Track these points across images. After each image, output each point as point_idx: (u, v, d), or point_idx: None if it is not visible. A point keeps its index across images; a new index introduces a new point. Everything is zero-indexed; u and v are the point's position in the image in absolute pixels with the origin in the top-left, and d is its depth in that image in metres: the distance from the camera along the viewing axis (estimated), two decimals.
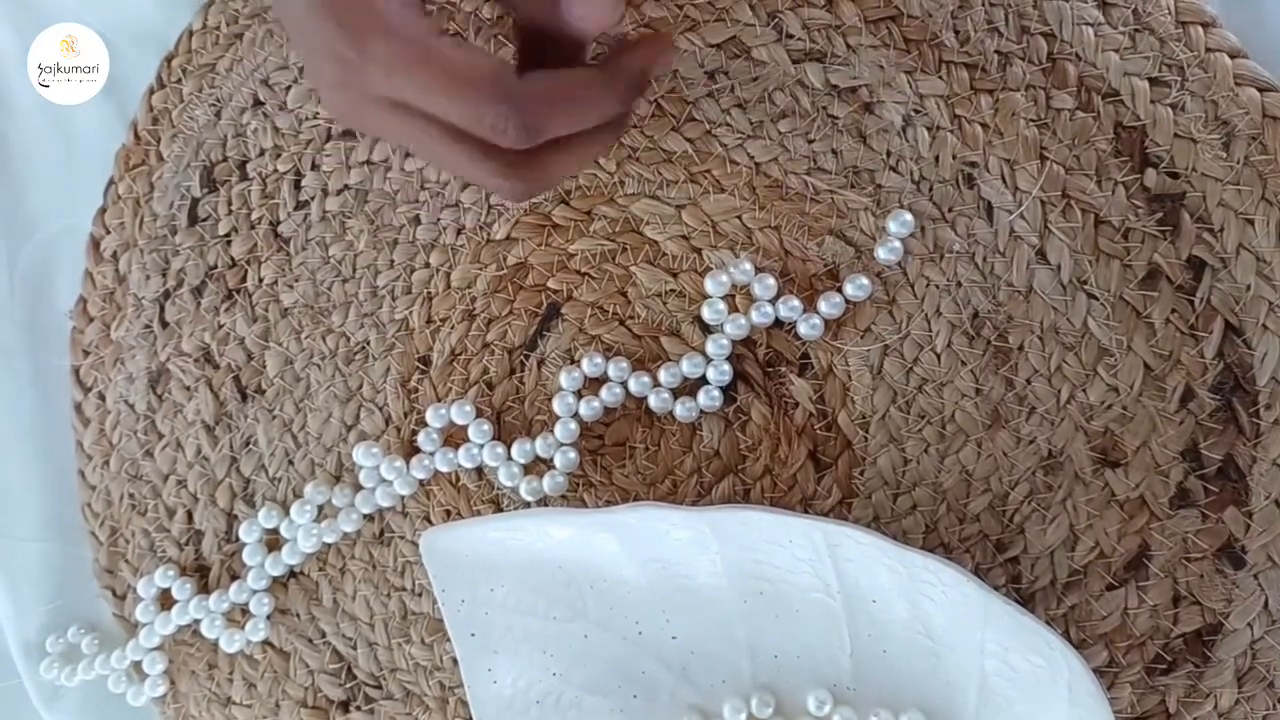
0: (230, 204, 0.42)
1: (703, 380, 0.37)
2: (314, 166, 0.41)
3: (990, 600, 0.32)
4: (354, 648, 0.40)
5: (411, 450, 0.39)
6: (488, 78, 0.27)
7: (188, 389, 0.42)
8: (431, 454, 0.39)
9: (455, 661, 0.37)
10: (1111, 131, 0.36)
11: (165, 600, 0.41)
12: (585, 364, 0.38)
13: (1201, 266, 0.35)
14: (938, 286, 0.36)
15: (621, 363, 0.37)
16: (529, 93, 0.27)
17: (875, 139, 0.37)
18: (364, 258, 0.40)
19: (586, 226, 0.39)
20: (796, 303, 0.36)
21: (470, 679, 0.36)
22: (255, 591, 0.40)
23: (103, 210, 0.43)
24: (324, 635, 0.40)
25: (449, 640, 0.36)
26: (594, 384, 0.38)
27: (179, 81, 0.43)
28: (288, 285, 0.41)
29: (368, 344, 0.40)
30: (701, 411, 0.37)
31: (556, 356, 0.38)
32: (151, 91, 0.43)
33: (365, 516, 0.40)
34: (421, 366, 0.40)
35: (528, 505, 0.38)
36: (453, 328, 0.39)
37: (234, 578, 0.41)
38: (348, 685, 0.40)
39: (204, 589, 0.41)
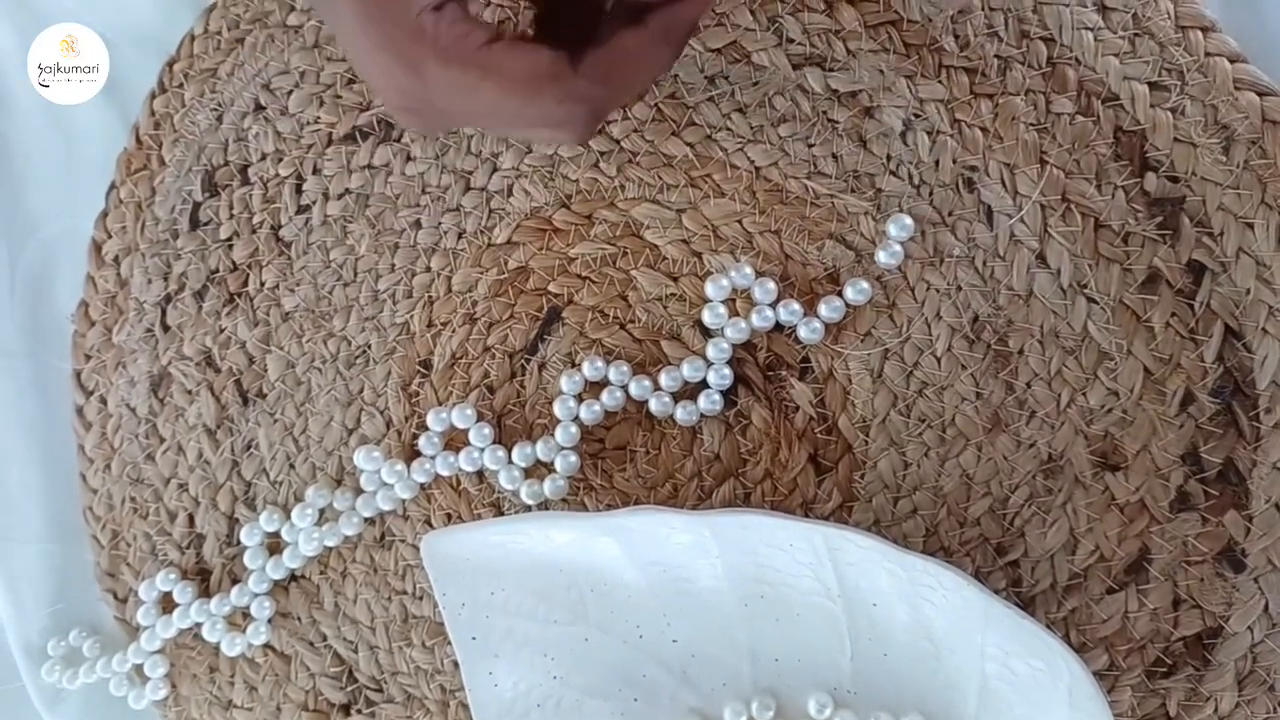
0: (232, 208, 0.42)
1: (703, 384, 0.37)
2: (315, 171, 0.41)
3: (991, 604, 0.32)
4: (355, 651, 0.40)
5: (412, 454, 0.39)
6: (545, 78, 0.27)
7: (189, 393, 0.42)
8: (432, 457, 0.39)
9: (456, 665, 0.37)
10: (1111, 136, 0.36)
11: (167, 603, 0.41)
12: (586, 367, 0.38)
13: (1201, 270, 0.35)
14: (938, 290, 0.36)
15: (622, 366, 0.38)
16: (587, 80, 0.28)
17: (875, 143, 0.37)
18: (365, 262, 0.40)
19: (587, 230, 0.39)
20: (797, 306, 0.36)
21: (471, 682, 0.36)
22: (256, 595, 0.40)
23: (104, 214, 0.43)
24: (325, 639, 0.40)
25: (450, 643, 0.36)
26: (595, 387, 0.38)
27: (180, 86, 0.43)
28: (289, 289, 0.41)
29: (369, 348, 0.40)
30: (702, 415, 0.37)
31: (557, 360, 0.38)
32: (153, 96, 0.43)
33: (366, 520, 0.40)
34: (422, 370, 0.40)
35: (529, 509, 0.38)
36: (454, 331, 0.39)
37: (235, 581, 0.41)
38: (349, 688, 0.40)
39: (205, 592, 0.41)
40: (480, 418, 0.39)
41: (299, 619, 0.40)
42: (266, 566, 0.40)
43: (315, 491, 0.40)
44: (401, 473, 0.39)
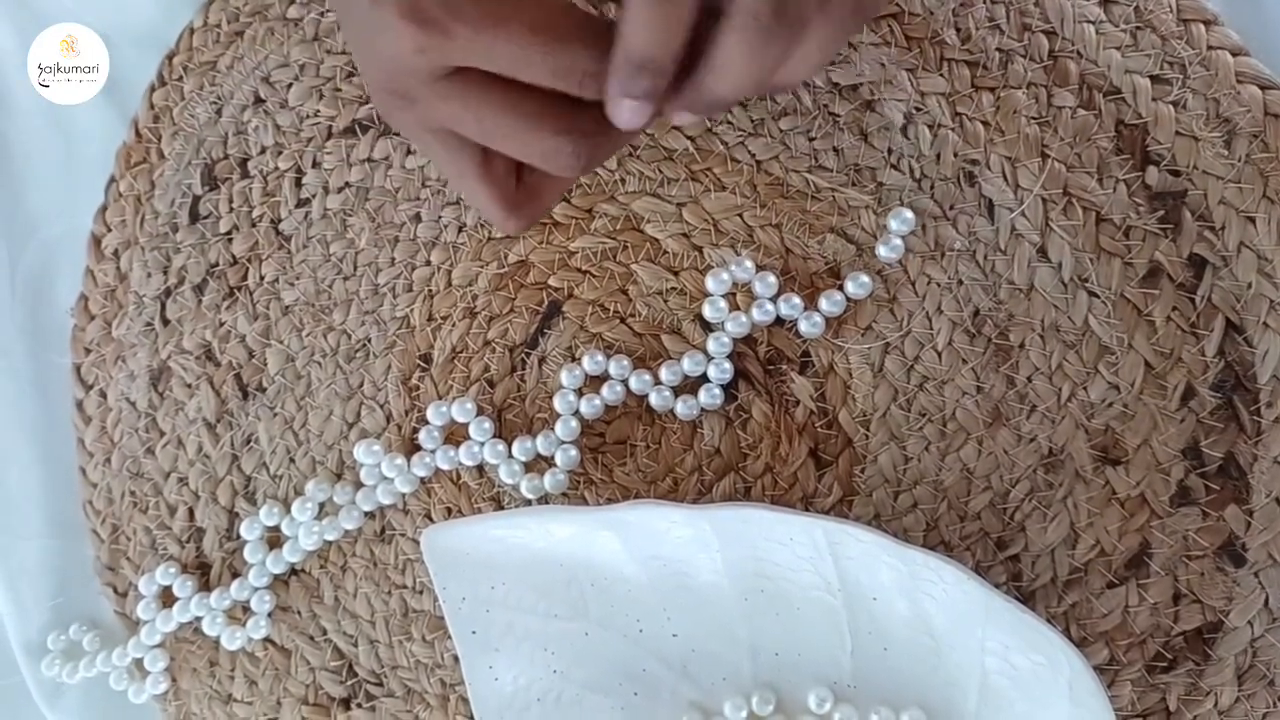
0: (231, 201, 0.42)
1: (704, 378, 0.37)
2: (315, 164, 0.41)
3: (991, 598, 0.32)
4: (355, 645, 0.40)
5: (412, 448, 0.39)
6: (577, 25, 0.26)
7: (189, 386, 0.42)
8: (433, 451, 0.39)
9: (456, 659, 0.37)
10: (1113, 129, 0.36)
11: (166, 597, 0.41)
12: (586, 362, 0.38)
13: (1203, 264, 0.35)
14: (939, 284, 0.36)
15: (622, 360, 0.37)
16: (624, 43, 0.26)
17: (876, 137, 0.37)
18: (365, 255, 0.40)
19: (587, 224, 0.39)
20: (797, 300, 0.36)
21: (471, 676, 0.36)
22: (256, 589, 0.40)
23: (104, 208, 0.43)
24: (325, 633, 0.40)
25: (450, 638, 0.36)
26: (595, 382, 0.38)
27: (180, 79, 0.43)
28: (289, 283, 0.41)
29: (369, 341, 0.40)
30: (702, 409, 0.37)
31: (557, 354, 0.38)
32: (152, 89, 0.43)
33: (366, 514, 0.40)
34: (422, 364, 0.40)
35: (529, 503, 0.38)
36: (454, 325, 0.39)
37: (235, 575, 0.41)
38: (349, 683, 0.40)
39: (205, 586, 0.41)
40: (480, 412, 0.39)
41: (299, 613, 0.40)
42: (266, 560, 0.40)
43: (315, 485, 0.40)
44: (401, 467, 0.39)
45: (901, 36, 0.37)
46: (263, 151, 0.42)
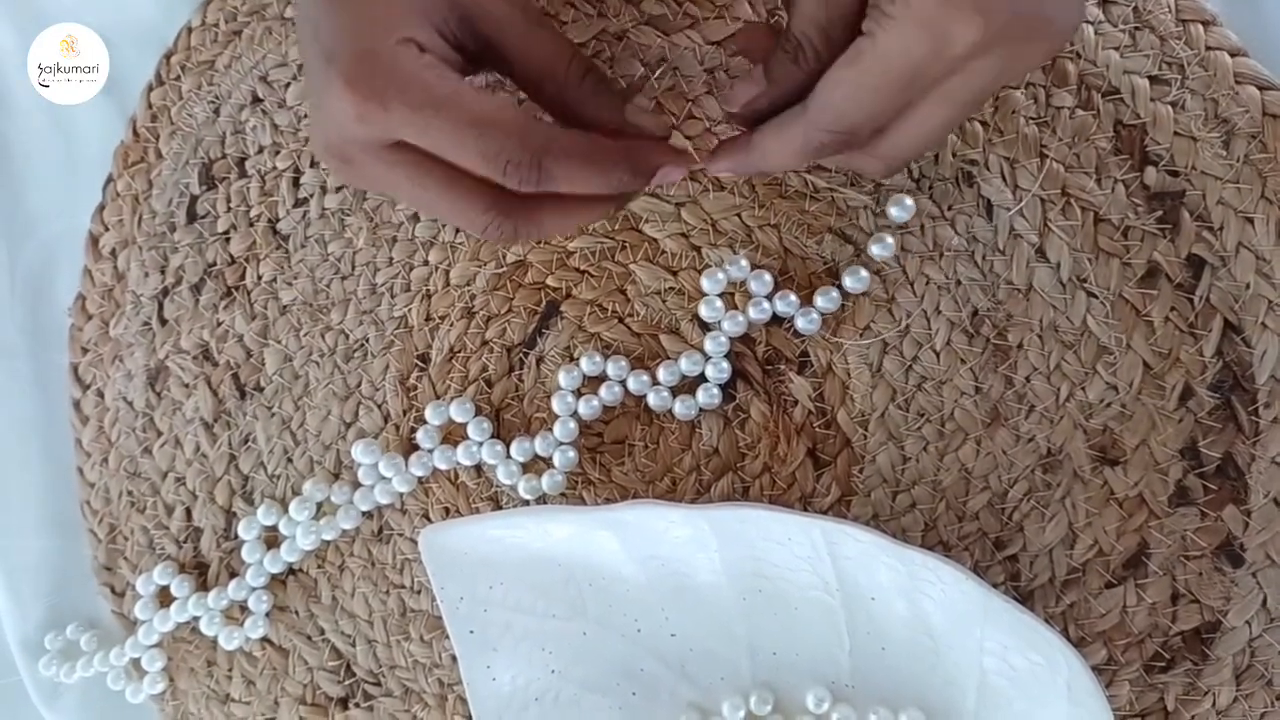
0: (229, 201, 0.42)
1: (701, 378, 0.37)
2: (313, 163, 0.41)
3: (989, 598, 0.32)
4: (353, 645, 0.40)
5: (410, 448, 0.39)
6: (512, 118, 0.28)
7: (186, 386, 0.41)
8: (430, 451, 0.39)
9: (454, 659, 0.37)
10: (1111, 129, 0.36)
11: (164, 597, 0.41)
12: (584, 362, 0.38)
13: (1201, 264, 0.35)
14: (937, 284, 0.36)
15: (620, 361, 0.37)
16: (548, 137, 0.28)
17: None
18: (363, 255, 0.40)
19: (585, 224, 0.38)
20: (794, 298, 0.36)
21: (469, 676, 0.36)
22: (254, 589, 0.40)
23: (101, 207, 0.43)
24: (323, 632, 0.40)
25: (448, 638, 0.36)
26: (593, 382, 0.38)
27: (178, 78, 0.43)
28: (286, 282, 0.41)
29: (367, 341, 0.40)
30: (700, 409, 0.37)
31: (555, 354, 0.38)
32: (150, 89, 0.43)
33: (364, 514, 0.40)
34: (420, 364, 0.40)
35: (526, 503, 0.38)
36: (452, 325, 0.39)
37: (233, 575, 0.41)
38: (347, 682, 0.40)
39: (203, 586, 0.41)
40: (478, 412, 0.39)
41: (297, 613, 0.40)
42: (264, 560, 0.40)
43: (313, 485, 0.40)
44: (399, 466, 0.39)
45: None
46: (260, 151, 0.42)
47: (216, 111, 0.42)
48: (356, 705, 0.40)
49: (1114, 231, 0.35)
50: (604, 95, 0.31)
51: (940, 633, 0.34)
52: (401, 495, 0.39)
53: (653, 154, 0.31)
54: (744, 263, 0.37)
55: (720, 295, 0.37)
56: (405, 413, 0.39)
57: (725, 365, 0.37)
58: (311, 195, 0.41)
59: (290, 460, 0.41)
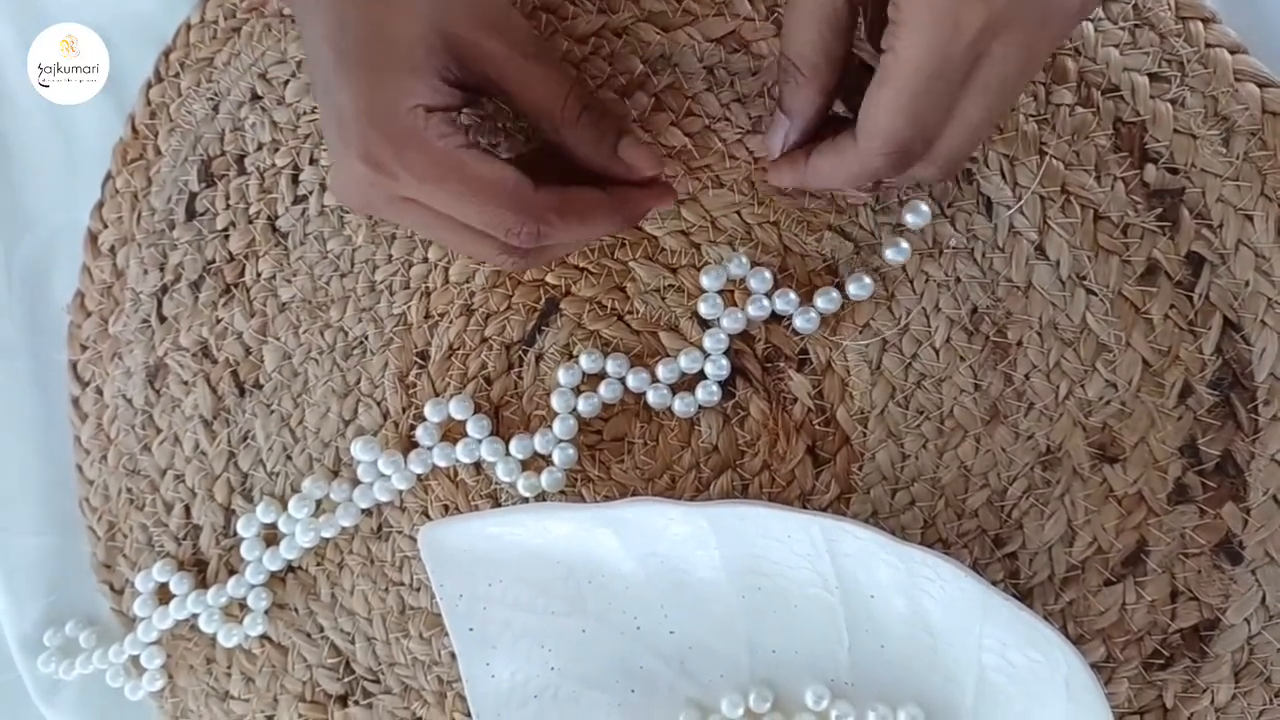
0: (228, 198, 0.42)
1: (701, 375, 0.37)
2: (312, 161, 0.41)
3: (988, 595, 0.32)
4: (352, 642, 0.40)
5: (409, 445, 0.39)
6: (510, 191, 0.31)
7: (185, 384, 0.41)
8: (429, 449, 0.39)
9: (453, 656, 0.37)
10: (1111, 127, 0.36)
11: (163, 595, 0.41)
12: (583, 360, 0.38)
13: (1200, 262, 0.35)
14: (937, 282, 0.36)
15: (620, 358, 0.37)
16: (543, 205, 0.31)
17: None
18: (362, 252, 0.40)
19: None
20: (793, 296, 0.36)
21: (468, 673, 0.36)
22: (253, 586, 0.40)
23: (100, 204, 0.43)
24: (322, 630, 0.40)
25: (447, 635, 0.36)
26: (592, 379, 0.38)
27: (177, 76, 0.43)
28: (286, 280, 0.41)
29: (366, 339, 0.40)
30: (700, 407, 0.37)
31: (555, 352, 0.38)
32: (149, 86, 0.43)
33: (363, 511, 0.40)
34: (419, 361, 0.39)
35: (526, 500, 0.38)
36: (451, 323, 0.39)
37: (232, 572, 0.41)
38: (346, 680, 0.40)
39: (202, 583, 0.41)
40: (478, 409, 0.39)
41: (296, 610, 0.40)
42: (263, 558, 0.40)
43: (312, 483, 0.40)
44: (398, 464, 0.39)
45: None
46: (259, 148, 0.42)
47: (215, 108, 0.42)
48: (355, 703, 0.40)
49: (1113, 229, 0.35)
50: (598, 135, 0.33)
51: (939, 630, 0.34)
52: (400, 493, 0.39)
53: (642, 202, 0.34)
54: (743, 260, 0.37)
55: (720, 292, 0.37)
56: (404, 410, 0.39)
57: (724, 363, 0.37)
58: (310, 192, 0.41)
59: (289, 457, 0.40)
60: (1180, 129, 0.35)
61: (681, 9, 0.38)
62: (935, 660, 0.34)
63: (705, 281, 0.37)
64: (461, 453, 0.38)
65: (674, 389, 0.37)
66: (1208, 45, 0.35)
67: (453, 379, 0.39)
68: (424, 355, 0.39)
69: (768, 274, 0.36)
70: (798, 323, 0.36)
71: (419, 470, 0.39)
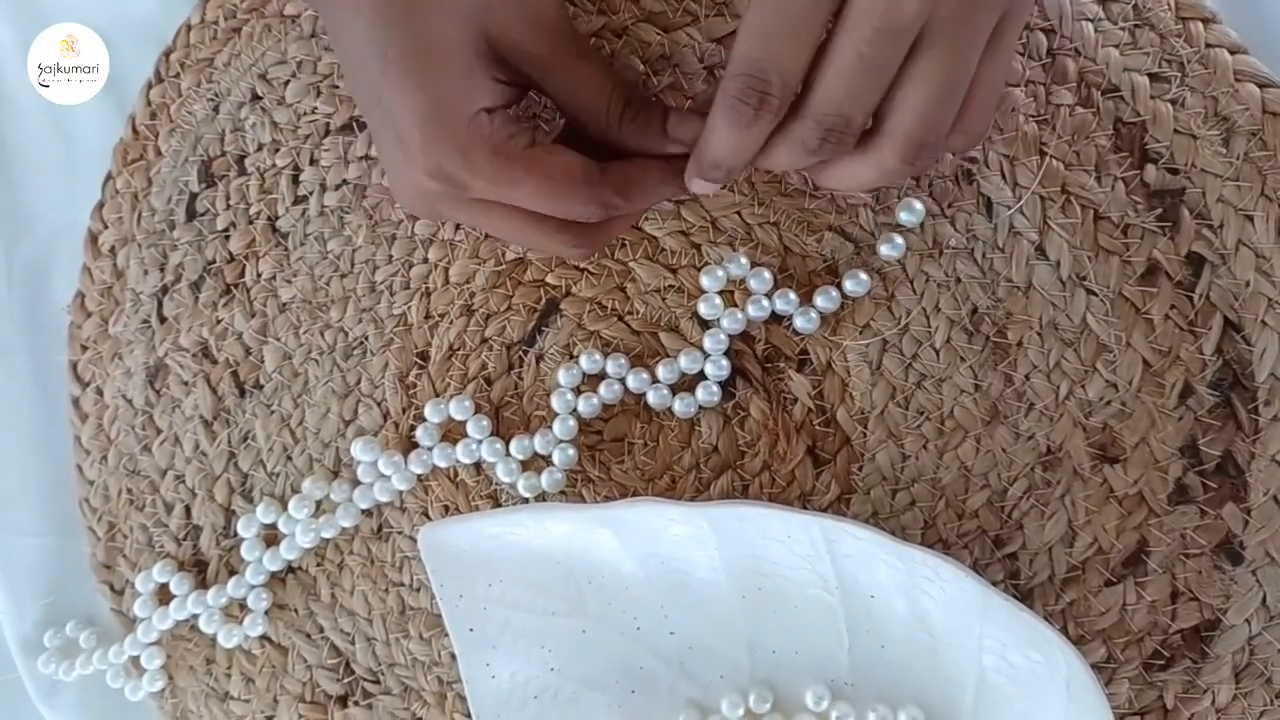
0: (228, 199, 0.42)
1: (701, 376, 0.37)
2: (312, 161, 0.41)
3: (989, 596, 0.32)
4: (352, 643, 0.40)
5: (410, 445, 0.39)
6: (579, 177, 0.31)
7: (186, 384, 0.41)
8: (430, 449, 0.39)
9: (453, 657, 0.37)
10: (1111, 127, 0.36)
11: (163, 595, 0.41)
12: (584, 360, 0.38)
13: (1201, 262, 0.35)
14: (937, 282, 0.36)
15: (620, 358, 0.37)
16: (610, 183, 0.32)
17: None
18: (362, 253, 0.40)
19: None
20: (793, 296, 0.36)
21: (468, 674, 0.36)
22: (253, 586, 0.40)
23: (100, 205, 0.43)
24: (322, 630, 0.40)
25: (447, 635, 0.36)
26: (592, 380, 0.38)
27: (177, 76, 0.43)
28: (286, 280, 0.41)
29: (366, 339, 0.40)
30: (700, 407, 0.37)
31: (555, 352, 0.38)
32: (149, 86, 0.43)
33: (363, 512, 0.40)
34: (420, 362, 0.39)
35: (526, 501, 0.38)
36: (451, 323, 0.39)
37: (232, 573, 0.41)
38: (346, 680, 0.40)
39: (202, 584, 0.41)
40: (478, 409, 0.39)
41: (296, 611, 0.40)
42: (263, 558, 0.40)
43: (312, 483, 0.40)
44: (399, 464, 0.39)
45: None
46: (260, 148, 0.42)
47: (216, 109, 0.42)
48: (355, 703, 0.40)
49: (1114, 229, 0.35)
50: (645, 128, 0.33)
51: (939, 630, 0.34)
52: (401, 493, 0.39)
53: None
54: (743, 260, 0.37)
55: (720, 293, 0.37)
56: (404, 410, 0.39)
57: (725, 363, 0.37)
58: (311, 193, 0.41)
59: (289, 458, 0.40)
60: (1180, 129, 0.35)
61: (682, 9, 0.38)
62: (935, 661, 0.34)
63: (705, 282, 0.37)
64: (461, 453, 0.38)
65: (674, 389, 0.37)
66: (1208, 45, 0.35)
67: (453, 379, 0.39)
68: (424, 356, 0.39)
69: (768, 274, 0.36)
70: (798, 323, 0.36)
71: (419, 471, 0.39)
